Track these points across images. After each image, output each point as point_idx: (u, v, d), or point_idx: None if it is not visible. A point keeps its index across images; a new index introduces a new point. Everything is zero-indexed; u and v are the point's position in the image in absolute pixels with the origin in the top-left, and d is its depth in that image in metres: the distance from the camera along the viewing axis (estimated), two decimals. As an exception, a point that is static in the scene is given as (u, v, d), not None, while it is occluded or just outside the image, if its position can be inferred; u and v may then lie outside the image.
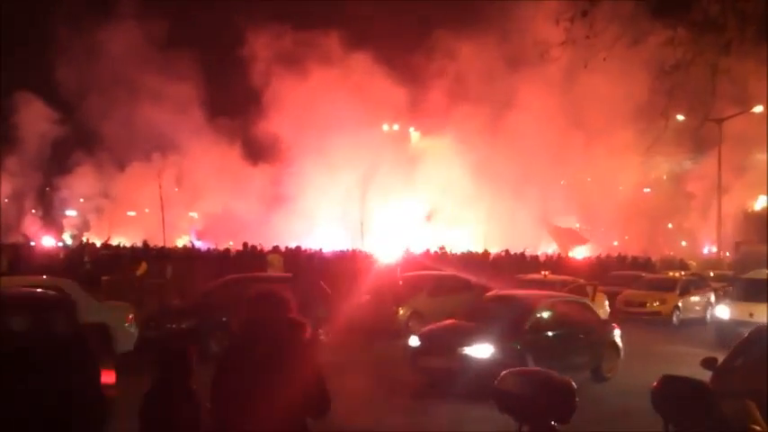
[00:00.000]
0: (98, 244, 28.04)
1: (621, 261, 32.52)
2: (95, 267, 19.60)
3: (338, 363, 13.56)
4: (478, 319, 12.38)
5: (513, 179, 38.77)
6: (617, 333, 13.41)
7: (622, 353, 13.18)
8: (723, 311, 18.48)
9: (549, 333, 12.18)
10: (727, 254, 38.98)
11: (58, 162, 41.20)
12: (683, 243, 46.86)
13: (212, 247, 29.93)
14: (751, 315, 16.21)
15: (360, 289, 19.64)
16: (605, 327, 13.68)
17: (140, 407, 4.27)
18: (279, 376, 3.94)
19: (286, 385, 3.92)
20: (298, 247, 26.11)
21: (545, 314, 12.51)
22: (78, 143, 40.90)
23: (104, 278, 18.39)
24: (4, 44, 34.35)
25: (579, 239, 36.37)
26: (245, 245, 24.74)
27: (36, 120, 39.35)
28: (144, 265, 19.56)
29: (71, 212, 44.03)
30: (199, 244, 31.61)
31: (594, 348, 12.72)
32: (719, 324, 18.03)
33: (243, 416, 3.92)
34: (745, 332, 8.61)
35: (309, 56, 38.83)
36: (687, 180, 42.77)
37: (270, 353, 3.98)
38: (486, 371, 9.32)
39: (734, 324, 16.23)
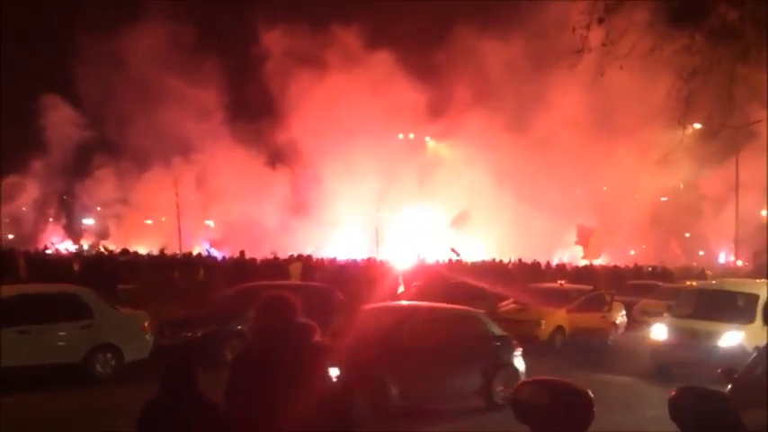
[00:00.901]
0: (115, 251, 28.12)
1: (638, 270, 32.31)
2: (112, 275, 19.62)
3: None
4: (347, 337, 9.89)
5: (528, 188, 38.77)
6: (517, 353, 11.59)
7: (523, 375, 11.04)
8: (659, 331, 14.50)
9: (414, 353, 10.09)
10: (740, 263, 38.67)
11: (75, 169, 41.46)
12: (701, 253, 46.47)
13: (226, 255, 29.97)
14: (693, 335, 13.56)
15: (375, 297, 19.83)
16: (503, 345, 11.60)
17: (138, 418, 4.21)
18: (289, 380, 4.00)
19: (297, 388, 3.97)
20: (309, 256, 26.16)
21: (418, 330, 10.59)
22: (95, 150, 41.17)
23: (120, 287, 18.46)
24: (23, 48, 34.66)
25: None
26: (241, 253, 25.12)
27: (54, 126, 39.69)
28: None
29: (88, 220, 44.40)
30: (214, 252, 31.67)
31: (486, 371, 10.92)
32: (653, 349, 14.59)
33: (256, 419, 3.98)
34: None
35: (327, 60, 39.18)
36: (705, 189, 42.37)
37: (280, 357, 4.06)
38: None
39: (669, 347, 13.87)
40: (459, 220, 26.02)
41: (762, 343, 10.02)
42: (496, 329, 11.98)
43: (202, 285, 19.91)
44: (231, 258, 27.14)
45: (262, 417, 3.99)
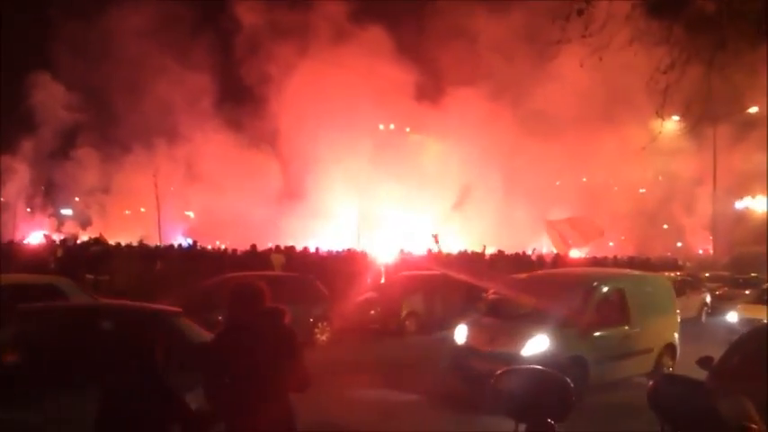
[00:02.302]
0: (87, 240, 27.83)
1: (616, 261, 32.50)
2: (82, 265, 19.38)
3: (340, 362, 13.46)
4: None
5: (508, 179, 38.87)
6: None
7: None
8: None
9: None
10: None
11: (53, 157, 40.94)
12: (679, 244, 46.95)
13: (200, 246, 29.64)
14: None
15: (357, 288, 20.00)
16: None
17: (99, 404, 4.28)
18: (262, 360, 4.27)
19: (269, 367, 4.26)
20: (292, 247, 26.07)
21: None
22: (73, 137, 40.89)
23: (87, 276, 18.14)
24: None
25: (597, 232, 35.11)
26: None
27: (37, 108, 39.05)
28: None
29: (66, 210, 43.88)
30: (188, 242, 31.29)
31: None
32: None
33: (233, 398, 4.24)
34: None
35: (308, 45, 39.17)
36: (682, 181, 42.78)
37: (252, 340, 4.31)
38: None
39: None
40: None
41: None
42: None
43: (165, 277, 19.67)
44: (202, 249, 26.83)
45: (238, 394, 4.23)
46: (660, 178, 45.90)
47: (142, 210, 41.81)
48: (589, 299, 11.57)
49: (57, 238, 29.27)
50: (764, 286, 19.92)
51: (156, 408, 4.21)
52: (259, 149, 40.73)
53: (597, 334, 11.33)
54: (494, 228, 37.26)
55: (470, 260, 26.41)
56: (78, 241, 27.64)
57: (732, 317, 18.17)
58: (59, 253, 23.10)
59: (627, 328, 11.83)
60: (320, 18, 39.60)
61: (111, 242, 27.68)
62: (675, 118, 10.65)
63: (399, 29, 39.88)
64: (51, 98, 39.29)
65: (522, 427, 3.18)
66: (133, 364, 4.35)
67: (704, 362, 7.42)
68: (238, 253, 24.25)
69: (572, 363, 10.34)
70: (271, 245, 27.07)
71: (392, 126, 43.10)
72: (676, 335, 12.98)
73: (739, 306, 18.96)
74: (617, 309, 11.97)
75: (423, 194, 39.32)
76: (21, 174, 38.88)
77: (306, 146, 38.59)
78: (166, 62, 39.40)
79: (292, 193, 40.10)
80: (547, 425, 3.13)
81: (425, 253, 27.50)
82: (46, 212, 41.64)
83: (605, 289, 12.16)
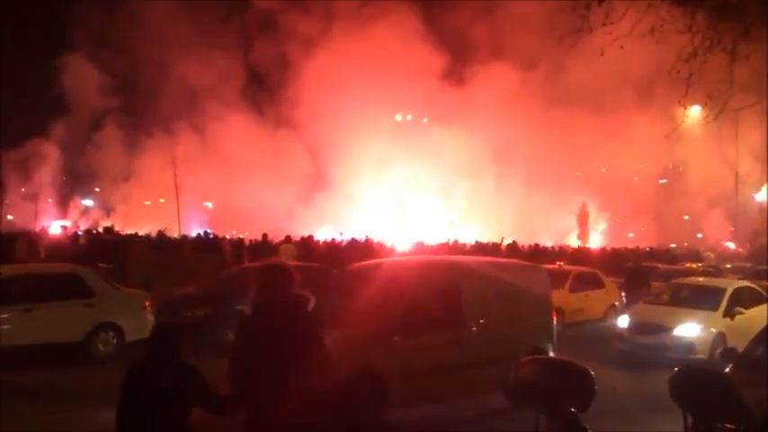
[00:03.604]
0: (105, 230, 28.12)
1: (636, 252, 32.34)
2: (95, 255, 19.56)
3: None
4: None
5: (527, 170, 38.69)
6: None
7: None
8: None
9: None
10: (731, 245, 38.64)
11: (74, 148, 40.94)
12: (699, 235, 46.48)
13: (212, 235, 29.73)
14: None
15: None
16: None
17: (121, 381, 4.37)
18: (284, 344, 4.31)
19: (291, 352, 4.30)
20: (310, 237, 26.04)
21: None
22: (95, 127, 40.99)
23: (99, 265, 18.29)
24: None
25: None
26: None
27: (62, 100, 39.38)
28: None
29: (87, 201, 44.14)
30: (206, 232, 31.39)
31: None
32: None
33: (256, 382, 4.30)
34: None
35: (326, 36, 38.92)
36: (703, 171, 42.29)
37: (278, 327, 4.34)
38: None
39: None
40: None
41: None
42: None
43: (175, 266, 19.84)
44: (215, 238, 26.93)
45: (262, 379, 4.28)
46: (681, 169, 45.47)
47: (161, 200, 41.97)
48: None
49: (79, 226, 29.51)
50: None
51: (179, 388, 4.28)
52: (279, 136, 40.56)
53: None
54: (510, 219, 37.20)
55: (486, 251, 26.31)
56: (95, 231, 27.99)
57: (624, 321, 15.01)
58: (82, 241, 23.45)
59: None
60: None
61: (131, 232, 27.95)
62: (698, 107, 10.53)
63: (420, 14, 39.73)
64: (78, 84, 39.42)
65: (543, 416, 3.15)
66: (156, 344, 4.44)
67: (728, 353, 7.26)
68: (247, 243, 24.29)
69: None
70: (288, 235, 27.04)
71: (409, 117, 43.01)
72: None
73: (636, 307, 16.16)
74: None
75: (439, 183, 39.20)
76: (43, 163, 39.15)
77: (328, 133, 38.45)
78: (188, 48, 39.46)
79: (313, 182, 40.00)
80: (569, 414, 3.10)
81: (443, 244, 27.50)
82: (67, 203, 41.88)
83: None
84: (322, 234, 29.66)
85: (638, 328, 14.20)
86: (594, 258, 28.54)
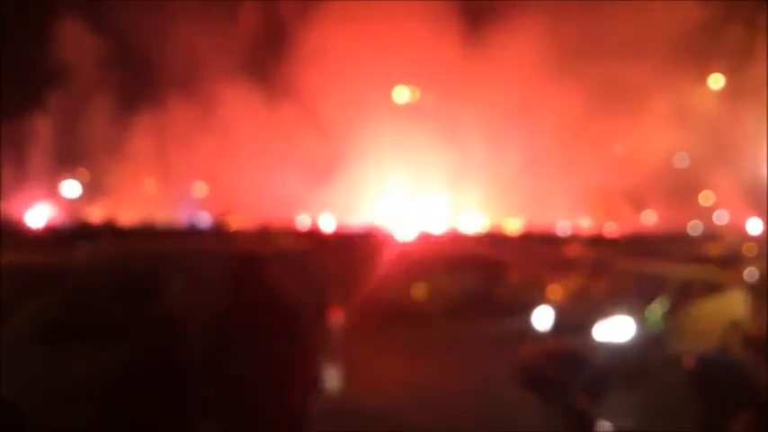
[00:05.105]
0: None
1: (653, 236, 31.48)
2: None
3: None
4: None
5: (534, 149, 37.32)
6: None
7: None
8: None
9: None
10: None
11: (56, 125, 39.54)
12: (715, 216, 45.45)
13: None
14: None
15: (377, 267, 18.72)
16: None
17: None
18: (264, 337, 4.26)
19: (272, 358, 4.23)
20: (313, 226, 25.42)
21: None
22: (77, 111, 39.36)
23: None
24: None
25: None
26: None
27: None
28: None
29: (71, 182, 42.82)
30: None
31: None
32: None
33: (230, 388, 4.25)
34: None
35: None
36: (721, 149, 41.07)
37: (254, 316, 4.33)
38: None
39: None
40: None
41: None
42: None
43: None
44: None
45: (239, 392, 4.20)
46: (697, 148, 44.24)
47: (150, 182, 40.65)
48: None
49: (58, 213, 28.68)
50: None
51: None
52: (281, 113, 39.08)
53: None
54: (516, 201, 36.58)
55: (498, 240, 25.42)
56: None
57: None
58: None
59: None
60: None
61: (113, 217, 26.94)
62: (716, 78, 9.02)
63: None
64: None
65: (551, 405, 3.62)
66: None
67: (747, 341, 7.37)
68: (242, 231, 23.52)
69: None
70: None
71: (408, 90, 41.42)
72: None
73: None
74: None
75: (442, 167, 37.82)
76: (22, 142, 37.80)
77: (331, 113, 36.93)
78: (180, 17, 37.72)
79: (317, 165, 38.57)
80: (581, 403, 3.67)
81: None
82: (48, 185, 40.63)
83: None
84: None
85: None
86: (610, 244, 27.37)
